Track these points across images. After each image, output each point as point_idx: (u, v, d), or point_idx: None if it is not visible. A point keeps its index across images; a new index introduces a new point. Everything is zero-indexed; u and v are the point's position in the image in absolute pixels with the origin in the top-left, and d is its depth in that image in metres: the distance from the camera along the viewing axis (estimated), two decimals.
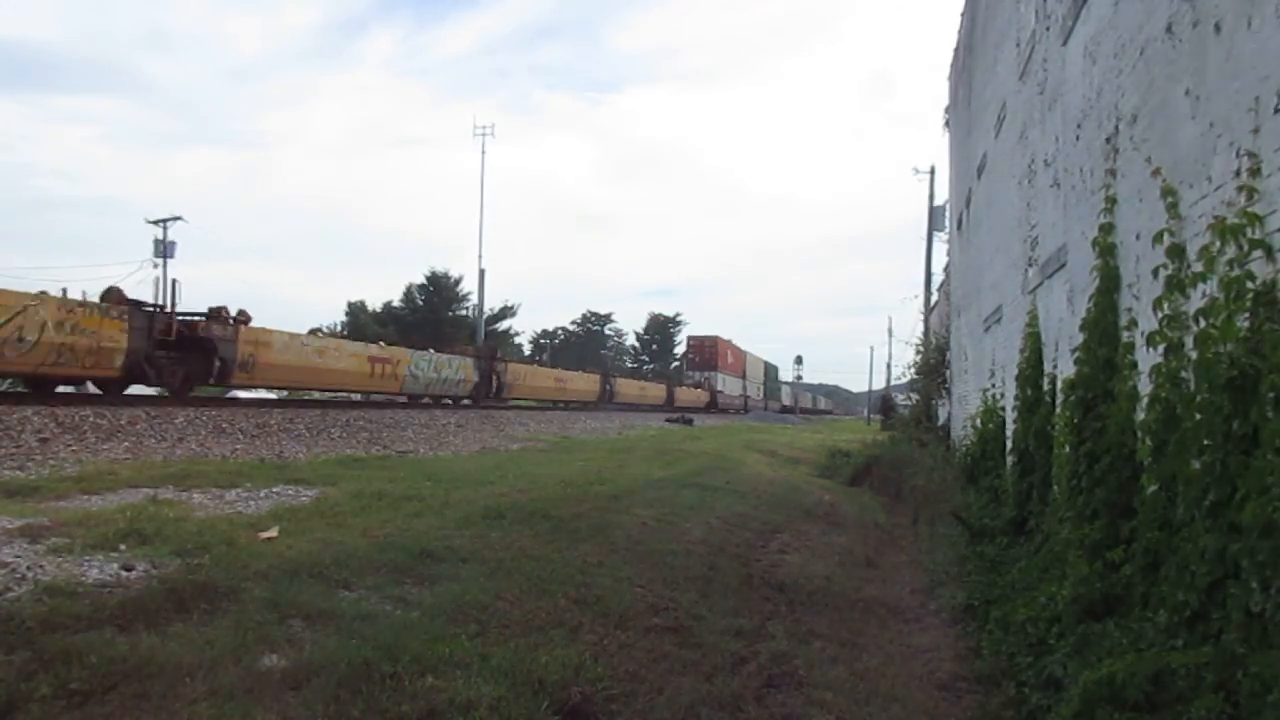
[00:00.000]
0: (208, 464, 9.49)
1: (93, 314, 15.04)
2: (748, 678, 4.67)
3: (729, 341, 62.18)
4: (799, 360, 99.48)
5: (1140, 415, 4.65)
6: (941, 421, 23.59)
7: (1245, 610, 3.14)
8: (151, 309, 16.73)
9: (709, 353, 59.25)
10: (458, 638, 4.19)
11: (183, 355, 17.37)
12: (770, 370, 75.12)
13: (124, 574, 4.53)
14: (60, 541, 5.00)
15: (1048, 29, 8.37)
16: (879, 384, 65.02)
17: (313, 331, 24.56)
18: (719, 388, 57.61)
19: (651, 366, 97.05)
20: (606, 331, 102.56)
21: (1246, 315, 3.43)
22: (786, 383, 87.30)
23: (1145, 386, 4.51)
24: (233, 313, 18.66)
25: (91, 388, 17.65)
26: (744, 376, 63.30)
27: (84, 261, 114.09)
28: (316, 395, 20.75)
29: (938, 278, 31.88)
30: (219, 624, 3.97)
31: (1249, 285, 3.43)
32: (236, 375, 18.67)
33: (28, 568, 4.43)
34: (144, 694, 3.22)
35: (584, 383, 39.71)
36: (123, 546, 5.05)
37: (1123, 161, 5.64)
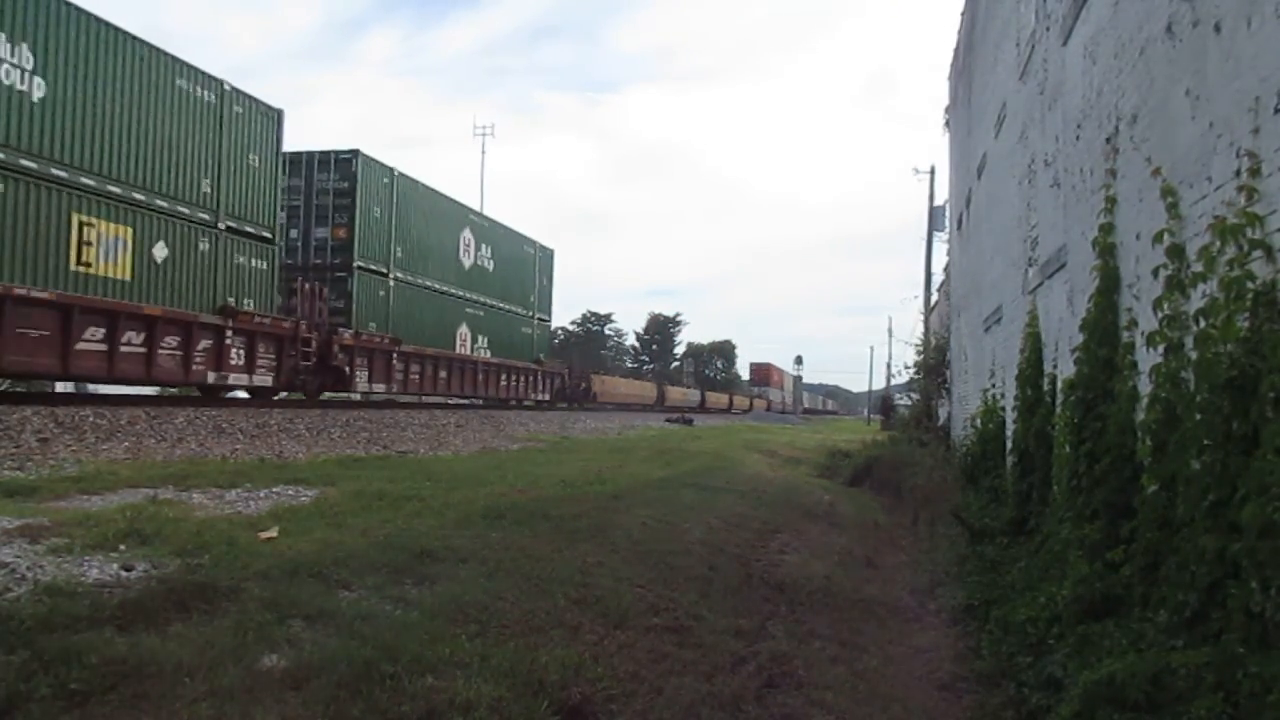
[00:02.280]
0: (208, 464, 9.49)
1: None
2: (748, 678, 4.67)
3: (778, 366, 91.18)
4: (799, 360, 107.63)
5: (1140, 415, 4.65)
6: (941, 421, 23.58)
7: (1245, 610, 3.14)
8: None
9: (764, 374, 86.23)
10: (458, 638, 4.18)
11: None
12: (797, 381, 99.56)
13: (124, 574, 4.53)
14: (60, 541, 4.99)
15: (1048, 29, 8.37)
16: (879, 384, 70.01)
17: None
18: (770, 398, 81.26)
19: (651, 367, 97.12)
20: (606, 331, 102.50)
21: (1246, 315, 3.43)
22: (805, 389, 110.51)
23: (1145, 387, 4.51)
24: None
25: None
26: (782, 389, 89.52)
27: None
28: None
29: (938, 278, 31.89)
30: (219, 624, 3.96)
31: (1249, 285, 3.43)
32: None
33: (27, 568, 4.43)
34: (144, 694, 3.22)
35: (644, 389, 50.77)
36: (123, 546, 5.05)
37: (1123, 161, 5.64)
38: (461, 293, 26.05)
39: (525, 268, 31.46)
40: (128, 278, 14.08)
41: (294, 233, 20.82)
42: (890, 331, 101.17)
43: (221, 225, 16.32)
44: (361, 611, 4.43)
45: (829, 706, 4.44)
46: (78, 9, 13.20)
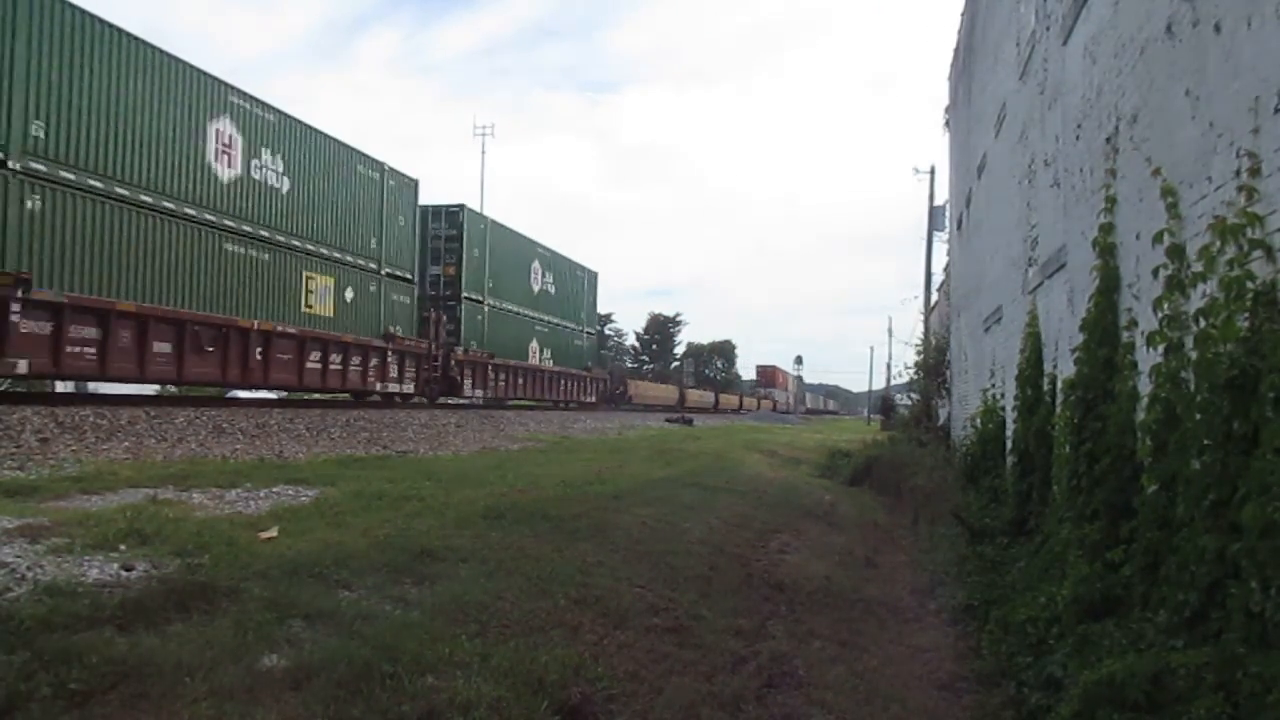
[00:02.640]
0: (208, 464, 9.49)
1: None
2: (748, 678, 4.67)
3: (781, 369, 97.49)
4: (799, 360, 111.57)
5: (1140, 415, 4.65)
6: (941, 421, 23.58)
7: (1245, 610, 3.14)
8: None
9: (770, 376, 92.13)
10: (458, 638, 4.18)
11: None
12: (800, 382, 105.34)
13: (124, 574, 4.53)
14: (60, 541, 4.99)
15: (1048, 29, 8.37)
16: (879, 384, 70.58)
17: None
18: (775, 398, 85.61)
19: (652, 367, 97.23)
20: (607, 331, 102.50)
21: (1246, 315, 3.43)
22: (807, 389, 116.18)
23: (1145, 386, 4.51)
24: None
25: None
26: (786, 390, 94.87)
27: None
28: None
29: (938, 278, 31.88)
30: (219, 624, 3.96)
31: (1249, 285, 3.43)
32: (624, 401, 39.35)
33: (27, 568, 4.43)
34: (144, 694, 3.22)
35: (668, 391, 56.64)
36: (123, 546, 5.05)
37: (1123, 161, 5.64)
38: (532, 314, 32.11)
39: (577, 289, 37.58)
40: (331, 314, 19.90)
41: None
42: (890, 332, 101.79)
43: (383, 272, 22.39)
44: (361, 611, 4.43)
45: (829, 706, 4.45)
46: (308, 126, 19.16)
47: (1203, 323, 3.67)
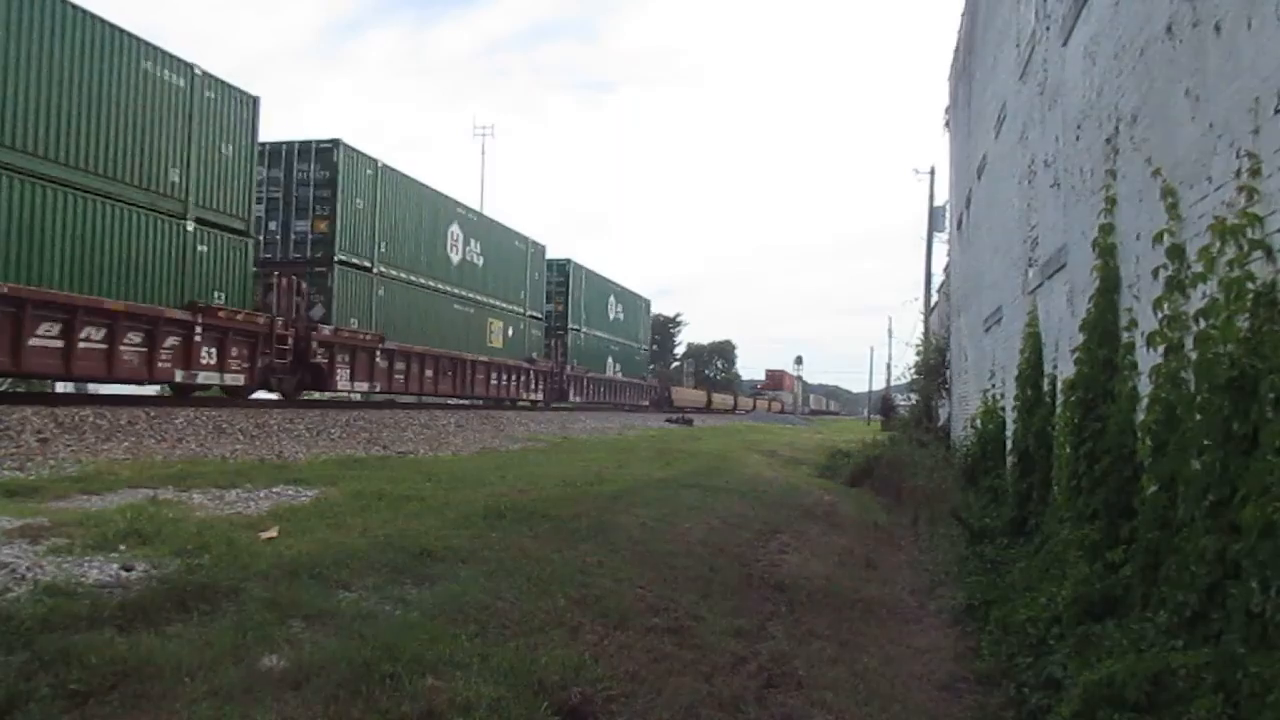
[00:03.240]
0: (208, 464, 9.49)
1: None
2: (748, 678, 4.67)
3: (789, 372, 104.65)
4: (799, 360, 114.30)
5: (1140, 416, 4.65)
6: (941, 422, 23.58)
7: (1245, 610, 3.14)
8: None
9: (778, 379, 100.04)
10: (458, 638, 4.18)
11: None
12: (805, 385, 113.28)
13: (124, 574, 4.53)
14: (60, 542, 4.99)
15: (1048, 29, 8.37)
16: (879, 384, 71.13)
17: None
18: (784, 400, 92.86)
19: (652, 367, 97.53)
20: None
21: (1246, 316, 3.43)
22: (810, 390, 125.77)
23: (1145, 387, 4.51)
24: None
25: None
26: (793, 391, 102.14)
27: None
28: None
29: (938, 278, 31.88)
30: (219, 624, 3.96)
31: (1249, 286, 3.43)
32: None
33: (28, 568, 4.43)
34: (144, 694, 3.22)
35: (699, 395, 63.96)
36: (123, 547, 5.05)
37: (1123, 162, 5.64)
38: (612, 337, 42.22)
39: (639, 314, 47.83)
40: (500, 346, 28.95)
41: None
42: (890, 332, 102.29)
43: (528, 314, 31.65)
44: (361, 611, 4.43)
45: (829, 706, 4.44)
46: (491, 220, 29.40)
47: (1203, 323, 3.67)
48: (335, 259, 20.46)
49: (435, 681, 3.66)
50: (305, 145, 20.75)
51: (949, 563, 8.04)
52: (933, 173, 33.79)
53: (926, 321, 31.19)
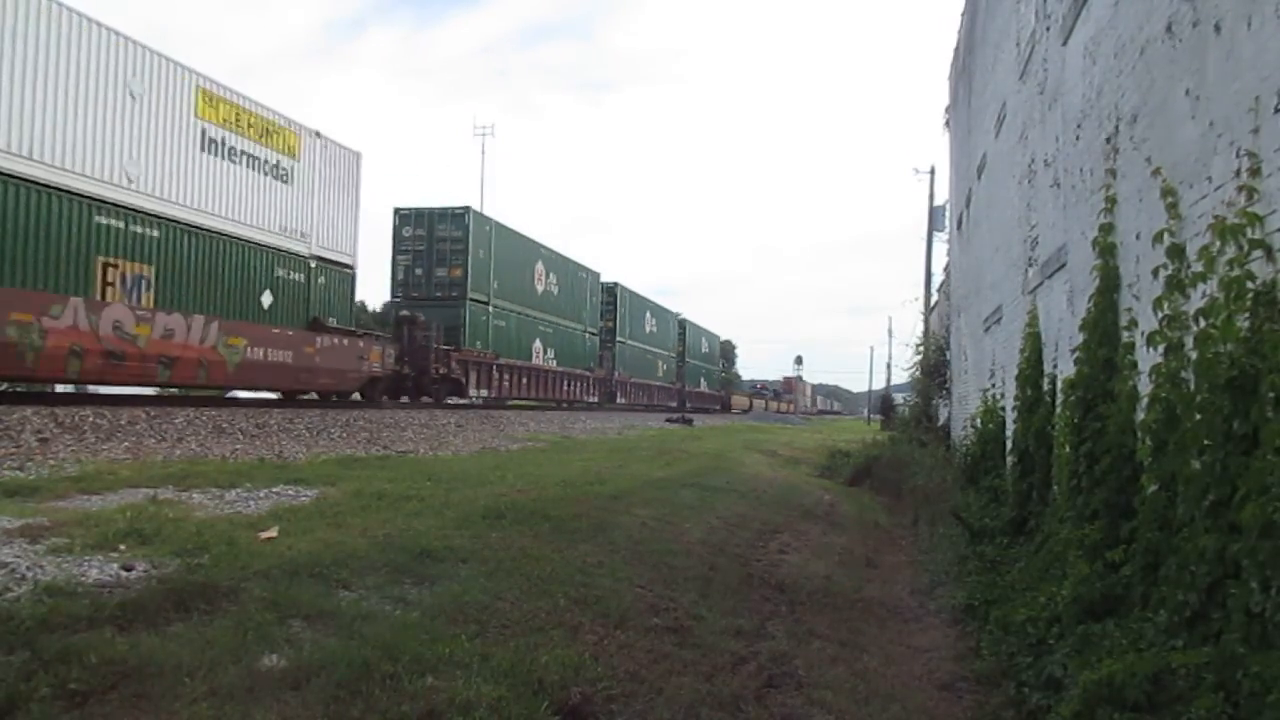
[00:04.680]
0: (208, 464, 9.48)
1: None
2: (748, 678, 4.67)
3: (801, 379, 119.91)
4: (799, 360, 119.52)
5: (1140, 415, 4.65)
6: (941, 422, 23.58)
7: (1245, 610, 3.14)
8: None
9: (792, 385, 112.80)
10: (458, 638, 4.18)
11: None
12: (813, 388, 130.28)
13: (124, 574, 4.53)
14: (60, 541, 4.99)
15: (1048, 29, 8.37)
16: (879, 384, 72.67)
17: None
18: (798, 402, 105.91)
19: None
20: None
21: (1246, 315, 3.43)
22: (820, 393, 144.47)
23: (1145, 386, 4.50)
24: None
25: None
26: (805, 395, 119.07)
27: None
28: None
29: (938, 278, 31.86)
30: (219, 624, 3.96)
31: (1249, 285, 3.43)
32: None
33: (28, 568, 4.43)
34: (144, 694, 3.22)
35: (745, 400, 75.54)
36: (122, 546, 5.05)
37: (1123, 161, 5.64)
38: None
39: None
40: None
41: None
42: (890, 332, 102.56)
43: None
44: (361, 611, 4.43)
45: (829, 706, 4.45)
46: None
47: (1203, 323, 3.67)
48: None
49: (435, 681, 3.66)
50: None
51: (949, 562, 8.04)
52: (933, 172, 33.81)
53: (926, 321, 31.16)
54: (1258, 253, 3.45)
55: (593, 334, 39.90)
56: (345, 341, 20.49)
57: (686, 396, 56.12)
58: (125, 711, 3.11)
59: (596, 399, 39.73)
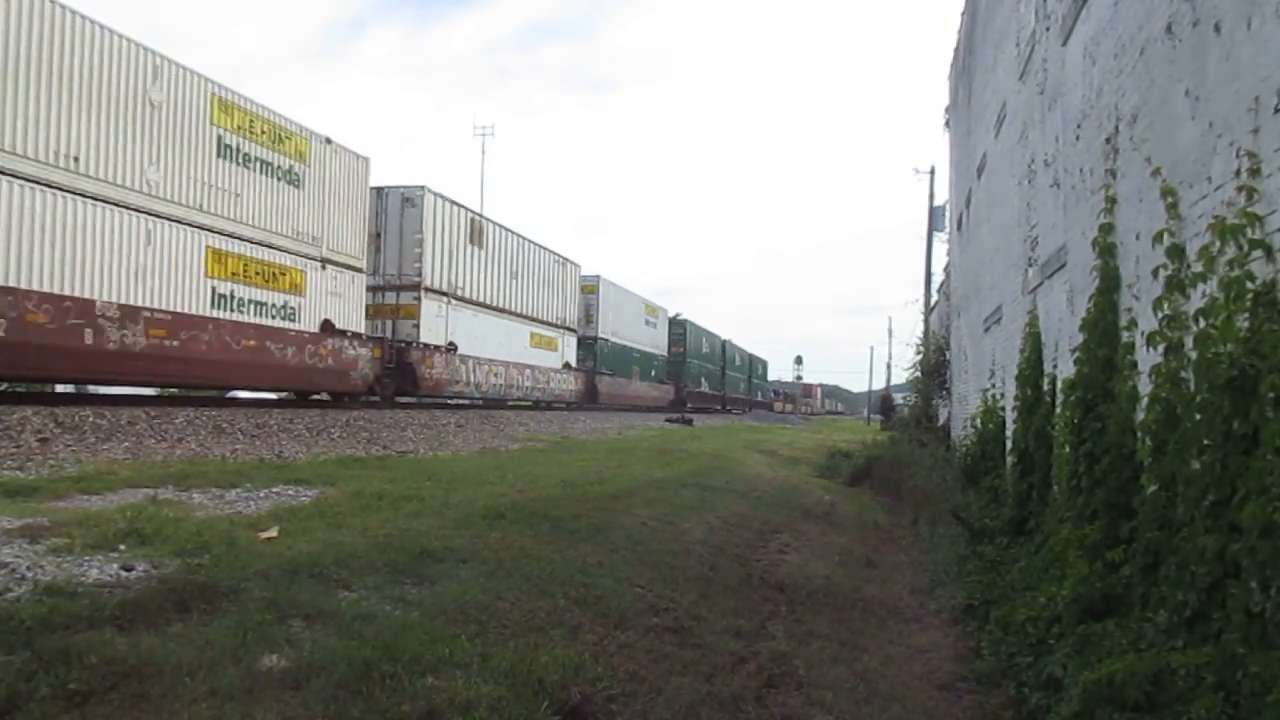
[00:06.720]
0: (208, 464, 9.48)
1: None
2: (748, 678, 4.67)
3: (814, 384, 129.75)
4: (799, 360, 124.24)
5: (1140, 415, 4.65)
6: (941, 422, 23.59)
7: (1245, 610, 3.14)
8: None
9: (809, 389, 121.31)
10: (458, 638, 4.18)
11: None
12: (821, 391, 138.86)
13: (124, 574, 4.53)
14: (60, 541, 4.99)
15: (1048, 29, 8.37)
16: (879, 384, 73.60)
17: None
18: (811, 405, 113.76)
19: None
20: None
21: (1246, 315, 3.43)
22: (826, 395, 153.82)
23: (1145, 386, 4.51)
24: None
25: None
26: (816, 398, 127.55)
27: None
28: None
29: (938, 278, 31.87)
30: (219, 624, 3.96)
31: (1249, 285, 3.43)
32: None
33: (28, 568, 4.43)
34: (144, 694, 3.22)
35: (783, 404, 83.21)
36: (122, 547, 5.05)
37: (1123, 161, 5.64)
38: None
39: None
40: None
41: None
42: (890, 332, 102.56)
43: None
44: (361, 611, 4.43)
45: (829, 706, 4.44)
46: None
47: (1203, 323, 3.66)
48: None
49: (435, 681, 3.66)
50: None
51: (949, 562, 8.04)
52: (933, 172, 33.81)
53: (926, 321, 31.16)
54: (1257, 253, 3.45)
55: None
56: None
57: (687, 396, 56.55)
58: (125, 711, 3.11)
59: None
